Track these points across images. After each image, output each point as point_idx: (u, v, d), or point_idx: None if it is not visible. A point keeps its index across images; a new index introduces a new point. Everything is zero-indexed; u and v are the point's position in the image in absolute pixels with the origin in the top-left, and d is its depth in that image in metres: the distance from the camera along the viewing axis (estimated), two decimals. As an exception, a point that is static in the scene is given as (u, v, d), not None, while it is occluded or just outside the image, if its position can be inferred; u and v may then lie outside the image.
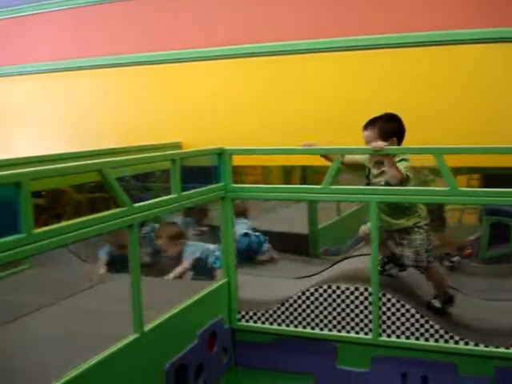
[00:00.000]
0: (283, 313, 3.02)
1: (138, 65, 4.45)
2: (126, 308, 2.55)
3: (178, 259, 3.80)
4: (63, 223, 1.89)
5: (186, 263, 3.77)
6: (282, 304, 3.02)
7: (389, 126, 2.98)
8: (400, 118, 3.02)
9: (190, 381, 2.67)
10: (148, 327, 2.35)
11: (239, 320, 3.12)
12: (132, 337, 2.26)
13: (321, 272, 3.41)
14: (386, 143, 2.83)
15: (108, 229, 2.11)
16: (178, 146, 4.01)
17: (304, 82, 3.80)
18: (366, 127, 3.02)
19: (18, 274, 3.40)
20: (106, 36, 4.58)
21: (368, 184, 3.01)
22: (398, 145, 2.97)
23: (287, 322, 3.02)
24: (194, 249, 3.86)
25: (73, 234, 1.91)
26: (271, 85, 3.89)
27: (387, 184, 2.84)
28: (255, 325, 3.10)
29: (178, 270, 3.73)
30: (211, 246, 3.84)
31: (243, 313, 3.12)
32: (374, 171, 3.00)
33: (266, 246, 4.22)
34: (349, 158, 3.01)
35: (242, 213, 4.34)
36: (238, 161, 3.13)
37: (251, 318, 3.10)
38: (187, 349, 2.65)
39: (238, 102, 3.98)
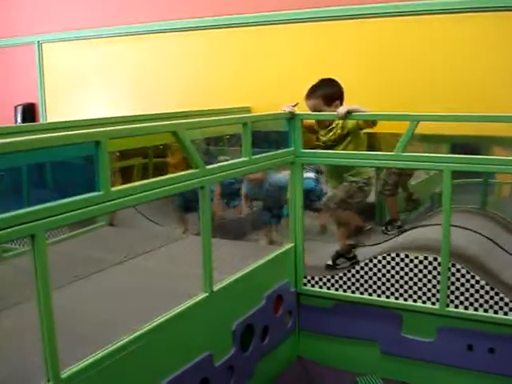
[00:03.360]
0: (349, 279, 3.03)
1: (211, 28, 4.47)
2: (194, 268, 2.64)
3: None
4: (139, 182, 1.94)
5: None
6: (349, 270, 3.02)
7: (330, 91, 3.18)
8: (337, 81, 3.22)
9: (255, 341, 2.72)
10: (217, 287, 2.40)
11: (305, 284, 3.14)
12: (201, 295, 2.31)
13: (388, 240, 3.38)
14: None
15: (180, 189, 2.15)
16: (247, 110, 4.03)
17: (378, 46, 3.74)
18: (308, 96, 3.19)
19: (96, 230, 3.51)
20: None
21: (318, 146, 3.22)
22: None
23: (353, 288, 3.03)
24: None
25: (147, 193, 1.96)
26: (344, 50, 3.85)
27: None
28: (320, 290, 3.11)
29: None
30: None
31: (309, 277, 3.14)
32: (322, 132, 3.21)
33: None
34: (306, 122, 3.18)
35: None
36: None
37: (317, 283, 3.12)
38: (254, 310, 2.70)
39: (308, 67, 3.95)
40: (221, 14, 4.41)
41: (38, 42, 5.33)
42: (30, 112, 5.46)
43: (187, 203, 3.76)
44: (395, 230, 3.72)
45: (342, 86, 3.23)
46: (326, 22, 4.00)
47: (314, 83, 3.25)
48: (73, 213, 1.67)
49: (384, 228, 3.81)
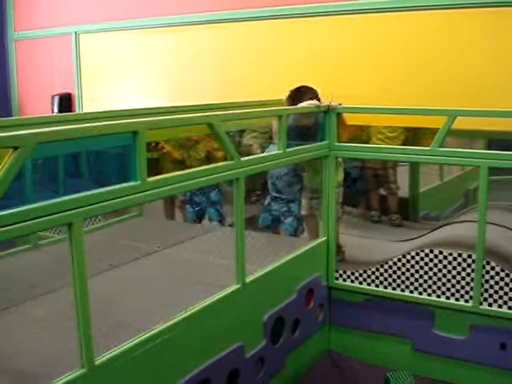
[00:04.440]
0: (382, 274, 3.01)
1: (245, 20, 4.46)
2: (224, 259, 2.65)
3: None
4: (175, 173, 1.95)
5: None
6: (381, 265, 3.01)
7: (314, 94, 3.30)
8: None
9: (286, 334, 2.73)
10: (249, 279, 2.40)
11: (336, 279, 3.14)
12: (234, 287, 2.32)
13: (422, 236, 3.35)
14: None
15: (215, 180, 2.16)
16: (280, 103, 4.01)
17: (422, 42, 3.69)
18: (296, 100, 3.23)
19: (129, 220, 3.55)
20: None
21: None
22: None
23: (385, 283, 3.01)
24: None
25: (183, 183, 1.97)
26: (382, 44, 3.81)
27: None
28: (352, 284, 3.10)
29: None
30: None
31: (341, 271, 3.13)
32: None
33: None
34: None
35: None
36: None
37: (348, 277, 3.11)
38: (285, 302, 2.70)
39: (345, 60, 3.92)
40: (254, 7, 4.40)
41: (76, 32, 5.38)
42: (66, 102, 5.52)
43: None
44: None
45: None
46: (364, 14, 3.95)
47: (294, 90, 3.37)
48: (110, 202, 1.69)
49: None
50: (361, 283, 3.08)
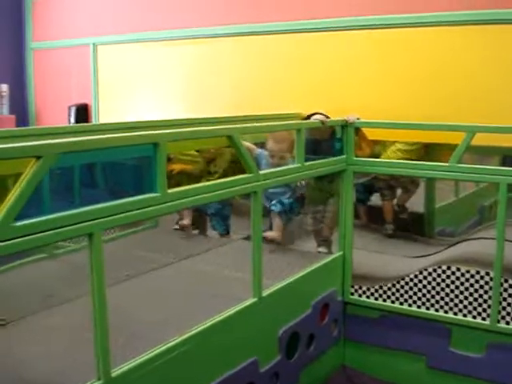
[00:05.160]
0: (398, 290, 2.99)
1: (264, 34, 4.47)
2: (239, 272, 2.64)
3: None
4: (194, 185, 1.95)
5: None
6: (398, 282, 2.99)
7: None
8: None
9: (301, 349, 2.71)
10: (266, 292, 2.39)
11: (352, 294, 3.11)
12: (251, 300, 2.31)
13: (438, 252, 3.32)
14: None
15: (234, 194, 2.16)
16: (298, 116, 4.01)
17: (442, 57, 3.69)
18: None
19: (145, 231, 3.55)
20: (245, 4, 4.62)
21: None
22: None
23: (401, 299, 2.99)
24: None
25: (202, 196, 1.96)
26: (395, 58, 3.80)
27: None
28: (367, 300, 3.08)
29: None
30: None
31: (356, 287, 3.11)
32: None
33: None
34: None
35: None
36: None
37: (364, 292, 3.09)
38: (301, 317, 2.68)
39: (361, 74, 3.92)
40: (275, 20, 4.41)
41: (94, 43, 5.41)
42: (82, 113, 5.55)
43: None
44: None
45: None
46: (382, 29, 3.96)
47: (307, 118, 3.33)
48: (130, 213, 1.69)
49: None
50: (376, 299, 3.05)
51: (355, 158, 3.00)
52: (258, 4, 4.52)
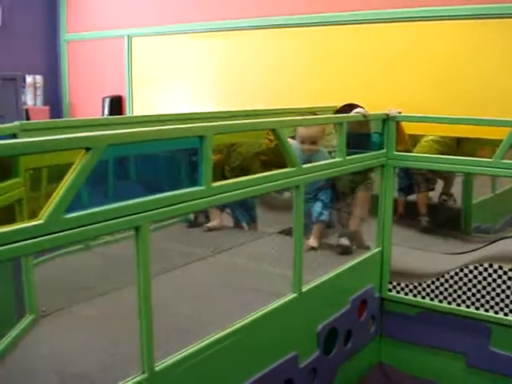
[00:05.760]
0: (437, 288, 2.94)
1: (298, 26, 4.44)
2: (276, 267, 2.65)
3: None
4: (238, 179, 1.92)
5: None
6: (437, 279, 2.94)
7: None
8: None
9: (338, 345, 2.68)
10: (306, 288, 2.37)
11: (389, 290, 3.07)
12: (291, 295, 2.28)
13: (478, 249, 3.26)
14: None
15: (277, 188, 2.13)
16: (332, 110, 3.96)
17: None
18: None
19: (179, 224, 3.53)
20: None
21: None
22: None
23: (440, 297, 2.94)
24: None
25: (246, 190, 1.94)
26: (440, 52, 3.75)
27: None
28: (405, 296, 3.04)
29: None
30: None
31: (394, 283, 3.06)
32: None
33: None
34: None
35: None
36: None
37: (402, 289, 3.04)
38: (339, 313, 2.66)
39: (401, 68, 3.88)
40: (307, 12, 4.37)
41: (128, 35, 5.42)
42: (116, 104, 5.57)
43: None
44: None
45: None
46: (418, 22, 3.91)
47: (341, 108, 3.31)
48: (176, 206, 1.67)
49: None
50: (415, 296, 3.01)
51: (395, 153, 2.95)
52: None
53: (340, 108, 3.36)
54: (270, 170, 2.20)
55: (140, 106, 5.47)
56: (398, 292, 3.06)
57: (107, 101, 5.55)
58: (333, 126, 2.95)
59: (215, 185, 1.80)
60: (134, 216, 1.54)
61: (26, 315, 2.12)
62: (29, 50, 5.98)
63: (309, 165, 2.28)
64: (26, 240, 1.30)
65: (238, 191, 1.91)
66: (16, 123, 2.07)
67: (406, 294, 3.03)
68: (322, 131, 3.08)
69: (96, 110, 5.62)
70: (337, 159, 2.51)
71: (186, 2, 5.08)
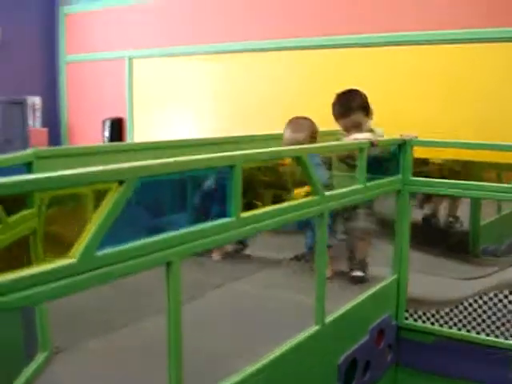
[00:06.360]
0: (456, 315, 2.87)
1: (306, 49, 4.41)
2: (294, 295, 2.58)
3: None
4: (265, 209, 1.85)
5: None
6: (456, 306, 2.87)
7: (363, 100, 3.07)
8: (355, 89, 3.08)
9: (357, 376, 2.60)
10: (328, 319, 2.29)
11: (406, 318, 3.00)
12: (314, 328, 2.20)
13: (494, 273, 3.21)
14: None
15: (303, 216, 2.06)
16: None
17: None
18: (347, 113, 3.02)
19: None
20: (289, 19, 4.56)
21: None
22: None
23: (459, 325, 2.87)
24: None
25: (273, 220, 1.87)
26: (455, 74, 3.73)
27: None
28: (422, 324, 2.97)
29: None
30: None
31: (411, 311, 2.99)
32: None
33: None
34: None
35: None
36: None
37: (420, 317, 2.97)
38: (359, 344, 2.58)
39: (416, 90, 3.85)
40: (313, 35, 4.35)
41: (129, 57, 5.37)
42: (117, 126, 5.50)
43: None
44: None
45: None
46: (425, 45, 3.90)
47: (336, 101, 3.14)
48: (206, 240, 1.60)
49: None
50: (432, 324, 2.94)
51: (412, 178, 2.89)
52: (295, 19, 4.47)
53: (341, 95, 3.17)
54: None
55: (141, 128, 5.41)
56: (415, 320, 2.98)
57: (108, 123, 5.49)
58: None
59: (244, 215, 1.73)
60: (166, 251, 1.46)
61: (39, 353, 2.02)
62: (27, 70, 5.92)
63: (332, 192, 2.21)
64: (56, 281, 1.22)
65: (267, 221, 1.84)
66: (30, 150, 2.00)
67: (424, 321, 2.96)
68: (308, 136, 3.01)
69: (95, 131, 5.56)
70: (358, 186, 2.45)
71: (188, 25, 5.04)
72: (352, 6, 4.22)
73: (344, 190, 2.34)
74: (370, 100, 3.12)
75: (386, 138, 2.99)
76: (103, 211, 1.31)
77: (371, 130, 3.04)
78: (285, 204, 1.96)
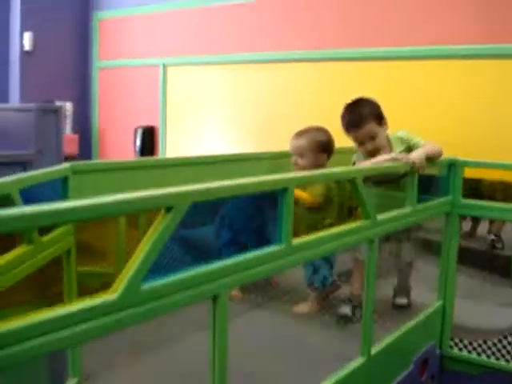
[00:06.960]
0: (504, 347, 2.71)
1: (342, 60, 4.30)
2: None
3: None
4: (316, 235, 1.73)
5: None
6: (505, 337, 2.71)
7: (375, 108, 2.75)
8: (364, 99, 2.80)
9: (400, 409, 2.46)
10: (375, 350, 2.15)
11: (451, 347, 2.84)
12: (361, 360, 2.07)
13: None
14: None
15: (353, 242, 1.94)
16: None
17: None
18: (360, 124, 2.65)
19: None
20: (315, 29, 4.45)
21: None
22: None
23: (507, 357, 2.71)
24: None
25: (323, 246, 1.75)
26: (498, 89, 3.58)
27: None
28: (468, 354, 2.81)
29: None
30: None
31: (456, 340, 2.84)
32: None
33: None
34: None
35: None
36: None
37: (465, 346, 2.81)
38: (403, 375, 2.43)
39: (465, 108, 3.71)
40: (348, 47, 4.24)
41: (163, 64, 5.28)
42: (149, 135, 5.41)
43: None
44: None
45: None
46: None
47: (346, 112, 2.77)
48: (254, 270, 1.48)
49: None
50: (479, 354, 2.78)
51: (462, 200, 2.74)
52: (332, 30, 4.35)
53: (350, 106, 2.79)
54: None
55: (173, 137, 5.31)
56: (460, 349, 2.83)
57: (139, 131, 5.40)
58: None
59: (295, 242, 1.60)
60: (211, 284, 1.34)
61: (69, 379, 1.92)
62: (59, 76, 5.87)
63: (382, 217, 2.08)
64: (96, 319, 1.10)
65: (317, 248, 1.71)
66: (66, 165, 1.91)
67: (470, 351, 2.80)
68: (312, 143, 2.85)
69: (127, 139, 5.48)
70: (407, 209, 2.31)
71: (224, 32, 4.94)
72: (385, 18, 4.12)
73: (394, 213, 2.20)
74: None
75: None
76: (149, 241, 1.19)
77: (388, 141, 2.73)
78: (335, 229, 1.83)
